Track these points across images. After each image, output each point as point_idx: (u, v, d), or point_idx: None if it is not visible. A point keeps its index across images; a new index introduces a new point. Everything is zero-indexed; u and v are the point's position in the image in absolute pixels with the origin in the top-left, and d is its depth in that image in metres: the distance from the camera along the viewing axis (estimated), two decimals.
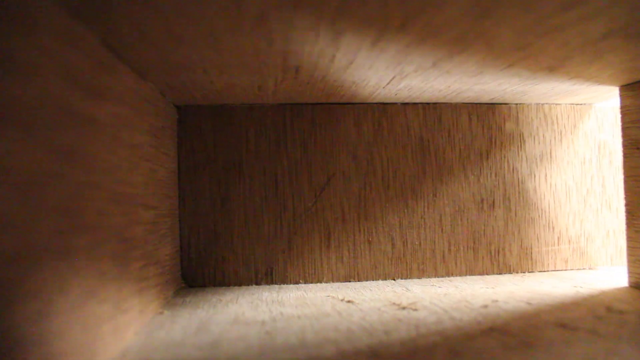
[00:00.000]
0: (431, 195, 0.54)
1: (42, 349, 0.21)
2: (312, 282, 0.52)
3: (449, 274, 0.54)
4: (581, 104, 0.56)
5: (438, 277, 0.54)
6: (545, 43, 0.32)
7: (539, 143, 0.55)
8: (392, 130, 0.53)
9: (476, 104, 0.54)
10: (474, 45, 0.33)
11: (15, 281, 0.19)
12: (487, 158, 0.55)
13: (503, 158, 0.55)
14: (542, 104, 0.55)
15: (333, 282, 0.52)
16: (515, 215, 0.55)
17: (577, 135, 0.56)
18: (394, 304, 0.42)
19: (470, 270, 0.54)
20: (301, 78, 0.41)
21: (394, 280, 0.53)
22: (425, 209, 0.54)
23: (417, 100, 0.53)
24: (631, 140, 0.46)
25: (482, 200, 0.54)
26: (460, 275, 0.54)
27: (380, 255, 0.53)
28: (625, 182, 0.47)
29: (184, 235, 0.51)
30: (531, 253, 0.55)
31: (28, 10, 0.21)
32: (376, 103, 0.53)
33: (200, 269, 0.51)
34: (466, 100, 0.53)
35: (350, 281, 0.53)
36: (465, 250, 0.54)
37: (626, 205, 0.47)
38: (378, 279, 0.53)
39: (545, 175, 0.55)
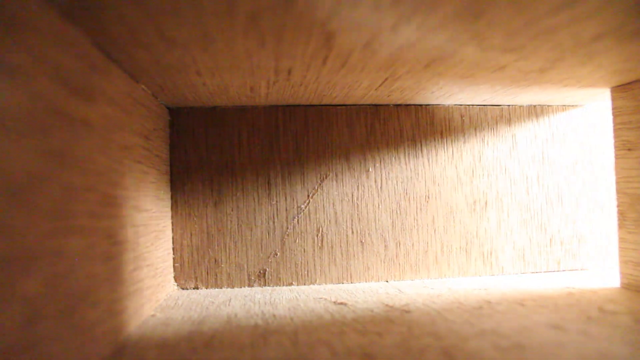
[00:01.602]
0: (424, 196, 0.54)
1: (33, 353, 0.21)
2: (304, 284, 0.52)
3: (441, 275, 0.54)
4: (573, 105, 0.56)
5: (431, 278, 0.54)
6: (538, 45, 0.32)
7: (531, 144, 0.56)
8: (385, 131, 0.53)
9: (468, 105, 0.55)
10: (467, 47, 0.33)
11: (6, 284, 0.19)
12: (480, 159, 0.55)
13: (495, 159, 0.55)
14: (534, 106, 0.56)
15: (326, 284, 0.52)
16: (508, 216, 0.55)
17: (569, 137, 0.56)
18: (386, 305, 0.42)
19: (463, 272, 0.54)
20: (293, 80, 0.41)
21: (387, 282, 0.53)
22: (418, 211, 0.54)
23: (410, 102, 0.53)
24: (622, 141, 0.46)
25: (475, 201, 0.55)
26: (453, 277, 0.54)
27: (373, 257, 0.53)
28: (617, 183, 0.47)
29: (176, 237, 0.51)
30: (524, 254, 0.55)
31: (19, 12, 0.21)
32: (369, 105, 0.53)
33: (192, 271, 0.51)
34: (458, 102, 0.53)
35: (343, 283, 0.53)
36: (458, 252, 0.54)
37: (618, 206, 0.47)
38: (371, 281, 0.53)
39: (538, 177, 0.56)
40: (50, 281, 0.23)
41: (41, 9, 0.23)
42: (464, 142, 0.55)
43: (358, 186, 0.53)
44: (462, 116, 0.55)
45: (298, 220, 0.52)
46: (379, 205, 0.53)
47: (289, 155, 0.52)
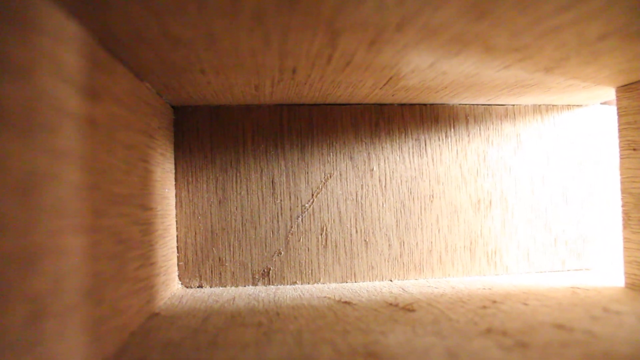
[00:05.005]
0: (428, 196, 0.54)
1: (37, 351, 0.21)
2: (308, 283, 0.52)
3: (445, 274, 0.54)
4: (578, 105, 0.56)
5: (435, 278, 0.54)
6: (542, 44, 0.32)
7: (536, 144, 0.55)
8: (389, 131, 0.53)
9: (473, 104, 0.54)
10: (471, 46, 0.33)
11: (11, 282, 0.19)
12: (484, 159, 0.55)
13: (500, 159, 0.55)
14: (539, 105, 0.56)
15: (330, 283, 0.52)
16: (512, 216, 0.55)
17: (574, 136, 0.56)
18: (390, 304, 0.42)
19: (467, 271, 0.54)
20: (298, 79, 0.41)
21: (391, 281, 0.53)
22: (422, 210, 0.54)
23: (414, 101, 0.53)
24: (627, 141, 0.46)
25: (479, 201, 0.54)
26: (457, 276, 0.54)
27: (377, 256, 0.53)
28: (622, 183, 0.47)
29: (180, 236, 0.51)
30: (528, 254, 0.55)
31: (24, 10, 0.21)
32: (373, 104, 0.53)
33: (197, 270, 0.51)
34: (463, 101, 0.53)
35: (347, 282, 0.53)
36: (462, 251, 0.54)
37: (622, 206, 0.47)
38: (375, 280, 0.53)
39: (542, 176, 0.55)
40: (54, 279, 0.23)
41: (46, 7, 0.23)
42: (469, 142, 0.55)
43: (362, 185, 0.53)
44: (466, 115, 0.55)
45: (302, 219, 0.52)
46: (383, 204, 0.53)
47: (293, 154, 0.52)
